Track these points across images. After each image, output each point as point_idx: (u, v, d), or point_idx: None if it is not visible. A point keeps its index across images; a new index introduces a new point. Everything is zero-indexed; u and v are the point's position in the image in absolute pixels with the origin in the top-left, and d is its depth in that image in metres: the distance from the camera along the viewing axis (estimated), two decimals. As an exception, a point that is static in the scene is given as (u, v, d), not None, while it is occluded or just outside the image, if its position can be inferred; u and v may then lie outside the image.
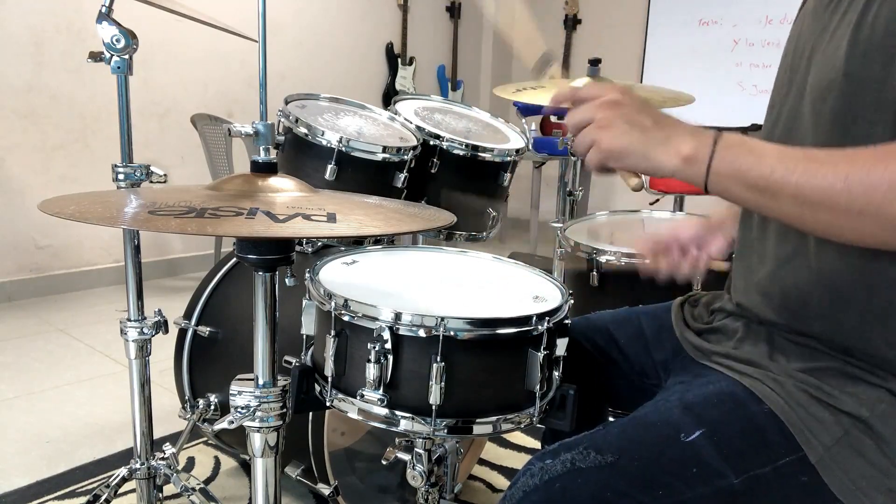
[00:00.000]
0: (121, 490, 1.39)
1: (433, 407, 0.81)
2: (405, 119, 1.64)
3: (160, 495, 1.42)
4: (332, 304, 0.85)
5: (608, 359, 1.03)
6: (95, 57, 1.20)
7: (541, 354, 0.84)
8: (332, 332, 0.85)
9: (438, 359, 0.80)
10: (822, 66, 0.77)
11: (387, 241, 1.58)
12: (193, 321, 1.53)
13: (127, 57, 1.21)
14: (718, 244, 1.07)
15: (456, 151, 1.59)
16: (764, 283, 0.84)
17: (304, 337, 0.96)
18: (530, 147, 1.83)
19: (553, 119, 4.89)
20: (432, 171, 1.59)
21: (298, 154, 1.46)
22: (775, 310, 0.82)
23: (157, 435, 1.42)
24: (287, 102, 1.53)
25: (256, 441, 0.88)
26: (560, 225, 1.67)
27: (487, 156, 1.61)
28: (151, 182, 1.28)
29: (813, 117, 0.77)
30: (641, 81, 4.83)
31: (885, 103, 0.70)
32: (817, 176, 0.64)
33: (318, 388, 0.91)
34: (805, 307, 0.79)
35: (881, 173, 0.61)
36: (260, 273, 0.85)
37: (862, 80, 0.71)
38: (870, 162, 0.63)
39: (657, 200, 3.87)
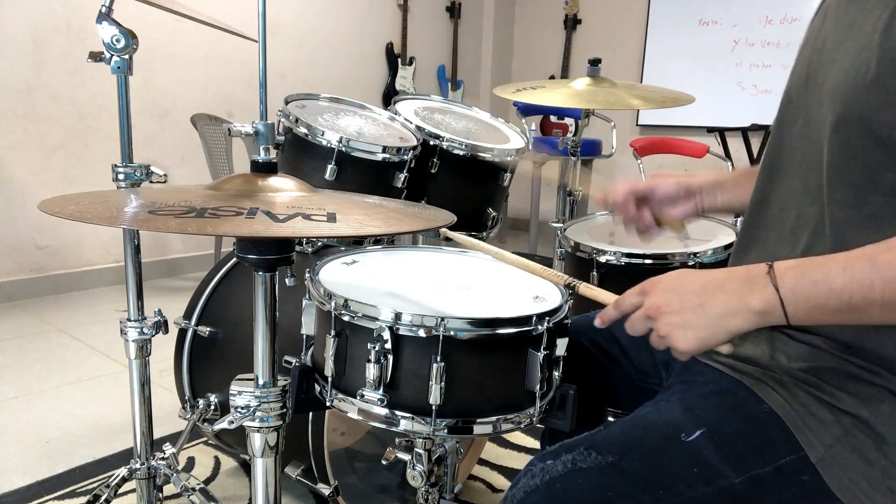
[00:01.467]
0: (121, 490, 1.39)
1: (433, 407, 0.81)
2: (405, 119, 1.64)
3: (160, 495, 1.42)
4: (332, 304, 0.85)
5: (609, 358, 1.03)
6: (95, 57, 1.20)
7: (541, 354, 0.84)
8: (332, 332, 0.85)
9: (438, 359, 0.80)
10: (846, 66, 0.74)
11: (387, 241, 1.57)
12: (193, 321, 1.53)
13: (127, 57, 1.21)
14: (686, 208, 1.07)
15: (456, 151, 1.59)
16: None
17: (304, 337, 0.96)
18: (530, 147, 1.83)
19: (553, 119, 4.89)
20: (432, 171, 1.59)
21: (298, 154, 1.46)
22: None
23: (157, 435, 1.42)
24: (287, 102, 1.53)
25: (256, 441, 0.88)
26: (560, 225, 1.66)
27: (487, 156, 1.61)
28: (151, 182, 1.28)
29: (832, 117, 0.75)
30: (641, 81, 4.83)
31: None
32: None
33: (318, 388, 0.91)
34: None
35: None
36: (260, 273, 0.84)
37: (890, 86, 0.69)
38: None
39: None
